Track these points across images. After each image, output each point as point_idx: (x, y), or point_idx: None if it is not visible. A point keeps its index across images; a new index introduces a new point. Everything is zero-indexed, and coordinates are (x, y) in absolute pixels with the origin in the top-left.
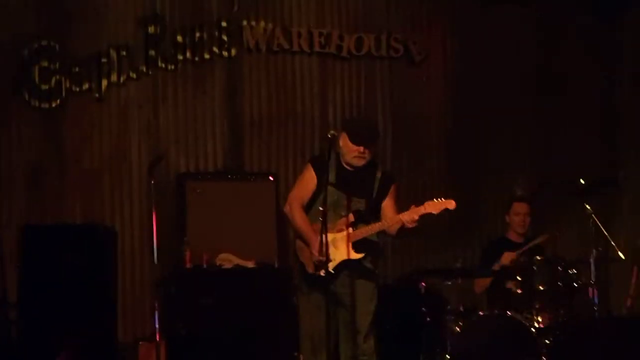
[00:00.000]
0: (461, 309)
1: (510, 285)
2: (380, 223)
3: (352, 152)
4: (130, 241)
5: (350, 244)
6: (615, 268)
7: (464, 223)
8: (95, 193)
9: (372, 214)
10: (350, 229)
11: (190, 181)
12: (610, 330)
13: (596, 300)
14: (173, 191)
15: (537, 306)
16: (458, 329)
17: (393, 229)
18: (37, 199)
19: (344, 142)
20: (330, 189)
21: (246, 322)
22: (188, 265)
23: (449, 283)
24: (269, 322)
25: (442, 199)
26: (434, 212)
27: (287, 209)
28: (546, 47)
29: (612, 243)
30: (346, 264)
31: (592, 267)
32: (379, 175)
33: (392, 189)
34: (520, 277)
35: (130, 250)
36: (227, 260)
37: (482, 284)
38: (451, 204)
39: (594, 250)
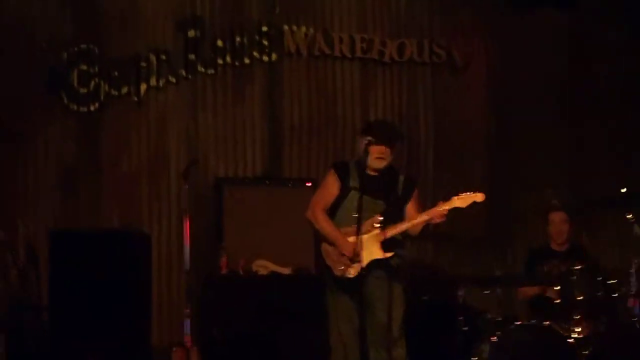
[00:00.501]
0: (499, 318)
1: (549, 293)
2: (408, 222)
3: (373, 153)
4: (167, 246)
5: (379, 244)
6: None
7: (503, 232)
8: (132, 198)
9: (398, 215)
10: (379, 230)
11: (228, 186)
12: None
13: (637, 311)
14: (211, 197)
15: (576, 316)
16: (495, 339)
17: (417, 229)
18: (74, 203)
19: (365, 144)
20: (353, 193)
21: (281, 329)
22: (224, 271)
23: (487, 292)
24: (303, 329)
25: (471, 192)
26: (462, 206)
27: (309, 214)
28: (578, 56)
29: None
30: (374, 263)
31: (633, 277)
32: (401, 178)
33: (416, 192)
34: (559, 286)
35: (167, 255)
36: (264, 266)
37: (526, 292)
38: (479, 197)
39: (635, 260)
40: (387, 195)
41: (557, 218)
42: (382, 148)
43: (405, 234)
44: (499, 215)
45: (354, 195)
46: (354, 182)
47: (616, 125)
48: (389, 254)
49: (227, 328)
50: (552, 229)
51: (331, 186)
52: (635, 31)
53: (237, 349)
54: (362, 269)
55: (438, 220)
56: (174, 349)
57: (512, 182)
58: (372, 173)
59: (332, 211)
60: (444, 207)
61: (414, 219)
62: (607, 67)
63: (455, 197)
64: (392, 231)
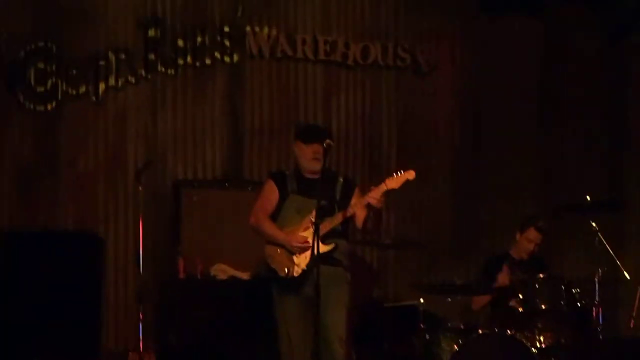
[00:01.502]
0: (461, 326)
1: (512, 303)
2: (343, 211)
3: (306, 155)
4: (125, 249)
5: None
6: (625, 288)
7: (466, 240)
8: (89, 199)
9: (336, 211)
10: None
11: (186, 189)
12: (613, 351)
13: (601, 321)
14: (169, 198)
15: (539, 326)
16: (457, 347)
17: (359, 218)
18: (29, 204)
19: (299, 147)
20: (293, 196)
21: (239, 335)
22: (181, 275)
23: (449, 300)
24: (262, 334)
25: (401, 171)
26: (395, 187)
27: (252, 220)
28: (551, 63)
29: (618, 263)
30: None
31: (597, 287)
32: (340, 180)
33: (357, 190)
34: (522, 295)
35: (123, 258)
36: (222, 271)
37: (480, 301)
38: (411, 174)
39: (599, 270)
40: (325, 194)
41: (536, 238)
42: (315, 146)
43: (351, 228)
44: (463, 222)
45: (292, 198)
46: (292, 187)
47: (588, 131)
48: (329, 246)
49: (184, 333)
50: (524, 244)
51: (270, 193)
52: (606, 36)
53: (194, 354)
54: (306, 265)
55: (377, 206)
56: (130, 353)
57: (479, 189)
58: (310, 176)
59: (272, 218)
60: (379, 192)
61: (353, 203)
62: (579, 73)
63: (387, 179)
64: (328, 224)
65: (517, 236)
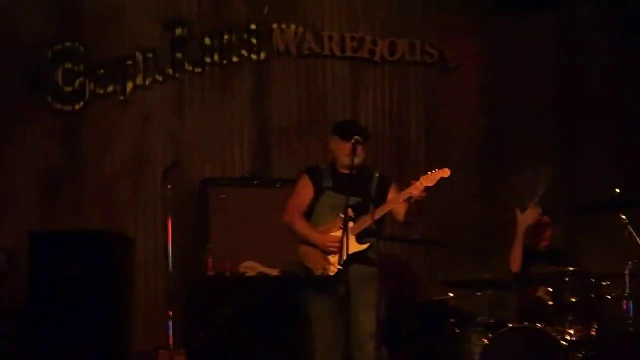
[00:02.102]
0: (490, 321)
1: (540, 293)
2: (379, 208)
3: (344, 151)
4: (153, 248)
5: (354, 237)
6: None
7: (494, 235)
8: (116, 198)
9: (372, 207)
10: (351, 223)
11: (213, 187)
12: None
13: (631, 313)
14: (197, 197)
15: (569, 319)
16: (486, 341)
17: (399, 213)
18: (56, 204)
19: (336, 144)
20: (328, 193)
21: (268, 331)
22: (210, 273)
23: (479, 294)
24: (291, 331)
25: (436, 169)
26: (430, 184)
27: (285, 218)
28: (570, 58)
29: None
30: (353, 257)
31: (627, 279)
32: (376, 176)
33: (393, 186)
34: (551, 287)
35: (152, 258)
36: (251, 268)
37: (516, 259)
38: (445, 172)
39: (629, 262)
40: (360, 191)
41: (541, 221)
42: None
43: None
44: (489, 219)
45: (328, 195)
46: (327, 183)
47: (607, 127)
48: (364, 245)
49: (214, 330)
50: (534, 232)
51: (304, 189)
52: (624, 33)
53: (223, 351)
54: (341, 263)
55: (417, 196)
56: (159, 352)
57: (504, 184)
58: (345, 172)
59: (307, 214)
60: (413, 188)
61: (392, 199)
62: (597, 69)
63: (422, 177)
64: (365, 221)
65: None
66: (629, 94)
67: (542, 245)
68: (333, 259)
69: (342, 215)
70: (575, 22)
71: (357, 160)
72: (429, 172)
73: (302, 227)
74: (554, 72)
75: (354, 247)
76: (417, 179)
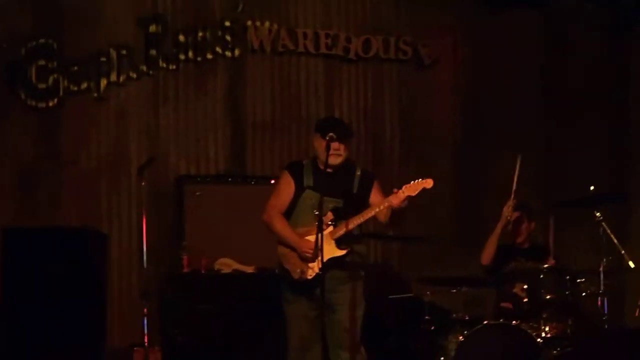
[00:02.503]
0: (466, 317)
1: (517, 290)
2: (360, 214)
3: (324, 149)
4: (128, 245)
5: (334, 242)
6: (630, 278)
7: (470, 231)
8: (92, 195)
9: (354, 211)
10: (331, 227)
11: (189, 184)
12: (619, 341)
13: (606, 310)
14: (172, 194)
15: (544, 316)
16: (462, 338)
17: (383, 215)
18: (32, 201)
19: (318, 142)
20: (308, 192)
21: (244, 328)
22: (186, 270)
23: (454, 291)
24: (267, 328)
25: (420, 179)
26: (412, 194)
27: (265, 217)
28: (553, 55)
29: (623, 252)
30: (332, 262)
31: (602, 276)
32: (358, 173)
33: (375, 184)
34: (527, 284)
35: (127, 255)
36: (226, 265)
37: (488, 254)
38: (428, 183)
39: (604, 259)
40: (342, 192)
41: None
42: (336, 144)
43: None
44: (466, 216)
45: (308, 194)
46: (308, 181)
47: (590, 124)
48: (344, 251)
49: (190, 328)
50: (511, 228)
51: (286, 187)
52: (608, 28)
53: (199, 349)
54: (319, 268)
55: (399, 206)
56: (135, 349)
57: (481, 182)
58: (328, 170)
59: (288, 212)
60: (395, 197)
61: (375, 203)
62: (580, 67)
63: (405, 186)
64: (345, 227)
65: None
66: (614, 91)
67: (517, 241)
68: (311, 263)
69: (328, 222)
70: (560, 18)
71: (336, 160)
72: (412, 182)
73: (280, 227)
74: (537, 67)
75: (333, 252)
76: (400, 187)
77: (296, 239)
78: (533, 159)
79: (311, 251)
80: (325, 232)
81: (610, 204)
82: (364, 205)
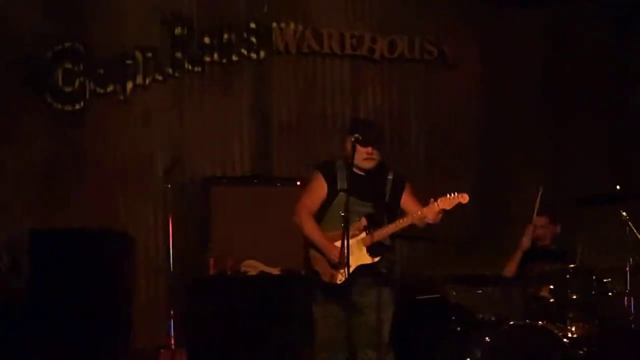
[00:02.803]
0: (492, 318)
1: (543, 292)
2: (395, 223)
3: (361, 155)
4: (155, 247)
5: (365, 249)
6: None
7: (495, 230)
8: (116, 198)
9: (387, 216)
10: (364, 233)
11: (215, 186)
12: None
13: (632, 310)
14: (198, 196)
15: (570, 316)
16: (488, 339)
17: (421, 222)
18: (58, 203)
19: (350, 144)
20: (341, 195)
21: (270, 330)
22: (212, 272)
23: (480, 291)
24: (293, 329)
25: (456, 193)
26: (447, 207)
27: (295, 219)
28: (558, 54)
29: None
30: (362, 269)
31: (628, 276)
32: (390, 177)
33: (407, 187)
34: (553, 285)
35: (154, 257)
36: (252, 267)
37: (510, 268)
38: (464, 198)
39: (630, 259)
40: (374, 196)
41: (540, 222)
42: (370, 149)
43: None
44: (490, 215)
45: (341, 198)
46: (341, 184)
47: (601, 123)
48: (375, 259)
49: (216, 330)
50: (534, 232)
51: (318, 189)
52: (610, 26)
53: (225, 350)
54: (348, 274)
55: (432, 222)
56: (161, 351)
57: (505, 181)
58: (360, 173)
59: (319, 214)
60: (429, 210)
61: (413, 212)
62: (591, 65)
63: (440, 199)
64: (378, 235)
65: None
66: (618, 85)
67: (542, 245)
68: (340, 269)
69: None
70: (569, 17)
71: (368, 164)
72: (448, 195)
73: (310, 231)
74: (548, 66)
75: (365, 259)
76: (434, 197)
77: (325, 244)
78: (551, 158)
79: (338, 259)
80: (358, 238)
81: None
82: (396, 209)
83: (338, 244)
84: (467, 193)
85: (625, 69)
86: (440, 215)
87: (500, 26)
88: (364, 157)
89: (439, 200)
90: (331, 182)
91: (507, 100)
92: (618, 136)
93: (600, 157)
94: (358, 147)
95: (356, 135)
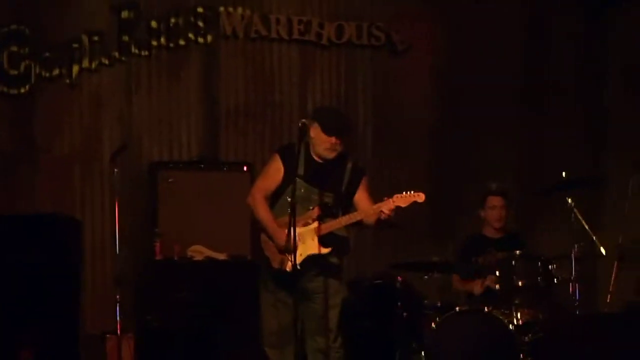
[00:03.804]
0: (438, 304)
1: (488, 282)
2: (349, 215)
3: (323, 144)
4: (102, 232)
5: (317, 238)
6: (601, 264)
7: (444, 217)
8: (65, 182)
9: (341, 207)
10: (316, 223)
11: (162, 171)
12: (590, 327)
13: (577, 296)
14: (145, 181)
15: (516, 302)
16: (434, 325)
17: (371, 219)
18: (6, 188)
19: (316, 133)
20: (298, 181)
21: (216, 315)
22: (158, 257)
23: (426, 277)
24: (239, 315)
25: (412, 192)
26: (402, 205)
27: (250, 200)
28: (533, 44)
29: (594, 238)
30: (312, 259)
31: (573, 263)
32: (349, 166)
33: (364, 181)
34: (498, 272)
35: (100, 242)
36: (199, 252)
37: (460, 285)
38: (420, 197)
39: (575, 245)
40: (331, 185)
41: (497, 202)
42: (333, 139)
43: (359, 225)
44: (441, 202)
45: (297, 184)
46: (299, 169)
47: (568, 110)
48: (325, 250)
49: (163, 315)
50: (489, 214)
51: (275, 172)
52: (590, 15)
53: (172, 335)
54: (300, 263)
55: (384, 217)
56: (108, 336)
57: (456, 170)
58: (319, 160)
59: (273, 198)
60: (384, 205)
61: (366, 209)
62: (559, 51)
63: (396, 196)
64: (331, 226)
65: (481, 213)
66: (593, 74)
67: (495, 227)
68: (288, 254)
69: (311, 219)
70: (538, 4)
71: (331, 154)
72: (404, 193)
73: (262, 214)
74: (516, 53)
75: (317, 248)
76: (390, 198)
77: (274, 228)
78: (510, 145)
79: (285, 244)
80: (310, 228)
81: (582, 189)
82: (350, 201)
83: (297, 230)
84: (424, 193)
85: (600, 54)
86: (393, 212)
87: (462, 11)
88: (327, 147)
89: (394, 197)
90: (289, 165)
91: (469, 86)
92: (593, 121)
93: (575, 142)
94: (322, 135)
95: (318, 126)
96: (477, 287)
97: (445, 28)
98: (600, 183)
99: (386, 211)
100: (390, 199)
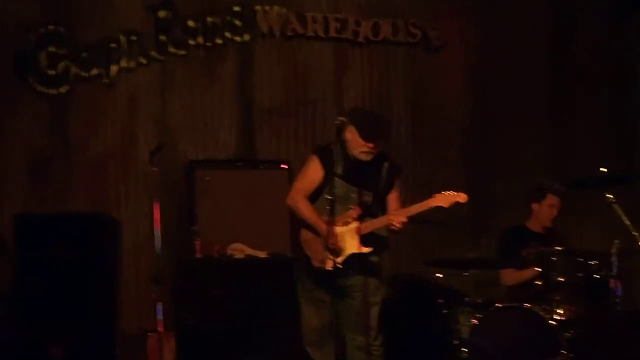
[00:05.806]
0: (479, 300)
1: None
2: (384, 218)
3: (360, 147)
4: (140, 231)
5: (359, 238)
6: None
7: (480, 214)
8: (102, 181)
9: (380, 206)
10: (357, 222)
11: (199, 169)
12: (631, 323)
13: (619, 293)
14: (183, 180)
15: (557, 298)
16: (475, 322)
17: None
18: (43, 188)
19: (352, 136)
20: (337, 181)
21: (257, 313)
22: (198, 256)
23: (467, 274)
24: (280, 313)
25: (454, 192)
26: (445, 205)
27: (289, 201)
28: (560, 39)
29: (635, 234)
30: (353, 257)
31: (614, 259)
32: (386, 166)
33: (397, 181)
34: (539, 268)
35: (140, 241)
36: (239, 250)
37: (511, 277)
38: (462, 197)
39: (616, 242)
40: (369, 185)
41: (556, 202)
42: (370, 144)
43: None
44: (476, 199)
45: (337, 183)
46: (338, 169)
47: (598, 107)
48: (367, 249)
49: (203, 313)
50: (545, 211)
51: (314, 173)
52: (618, 12)
53: (213, 334)
54: (338, 262)
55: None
56: (149, 334)
57: (491, 165)
58: (357, 159)
59: (312, 199)
60: (423, 207)
61: (395, 211)
62: (587, 49)
63: (437, 195)
64: (371, 226)
65: (535, 206)
66: (621, 72)
67: (547, 225)
68: (335, 253)
69: (351, 218)
70: (566, 2)
71: (367, 157)
72: (445, 192)
73: (308, 213)
74: (544, 51)
75: (358, 248)
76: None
77: (325, 228)
78: (542, 141)
79: (334, 245)
80: (351, 227)
81: (621, 184)
82: (385, 201)
83: (337, 229)
84: (466, 194)
85: (628, 51)
86: (404, 226)
87: (494, 7)
88: (363, 150)
89: (436, 196)
90: (328, 166)
91: (502, 82)
92: (623, 118)
93: (605, 139)
94: (359, 140)
95: (355, 129)
96: (530, 273)
97: (477, 24)
98: (638, 177)
99: (397, 224)
100: (431, 199)
